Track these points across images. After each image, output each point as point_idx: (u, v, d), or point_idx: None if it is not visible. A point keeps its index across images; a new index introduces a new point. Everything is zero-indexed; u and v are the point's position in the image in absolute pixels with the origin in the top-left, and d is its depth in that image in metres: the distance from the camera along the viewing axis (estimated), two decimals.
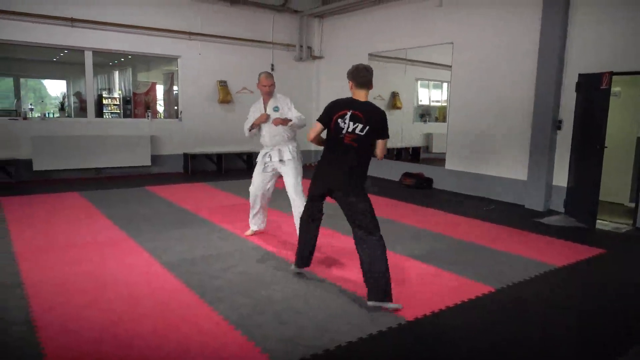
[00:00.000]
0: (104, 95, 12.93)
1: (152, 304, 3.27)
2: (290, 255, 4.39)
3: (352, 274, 3.96)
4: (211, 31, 9.73)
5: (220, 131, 10.15)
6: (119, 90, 13.71)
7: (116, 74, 14.19)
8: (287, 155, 4.67)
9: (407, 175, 8.84)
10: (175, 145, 9.73)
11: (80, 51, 8.68)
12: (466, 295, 3.59)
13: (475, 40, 7.84)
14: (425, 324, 3.11)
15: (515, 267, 4.32)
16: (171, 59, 10.00)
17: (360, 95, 3.42)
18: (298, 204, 4.63)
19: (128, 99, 12.79)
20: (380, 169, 9.70)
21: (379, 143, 3.42)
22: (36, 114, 10.69)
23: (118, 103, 13.04)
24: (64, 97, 14.02)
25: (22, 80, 14.54)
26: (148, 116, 9.97)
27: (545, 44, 6.68)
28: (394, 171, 9.40)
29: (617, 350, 2.88)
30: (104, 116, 12.24)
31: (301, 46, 10.96)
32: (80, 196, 6.92)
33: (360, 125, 3.31)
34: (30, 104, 12.14)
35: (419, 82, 11.34)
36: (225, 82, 10.07)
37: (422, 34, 8.78)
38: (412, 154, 10.68)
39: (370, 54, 9.96)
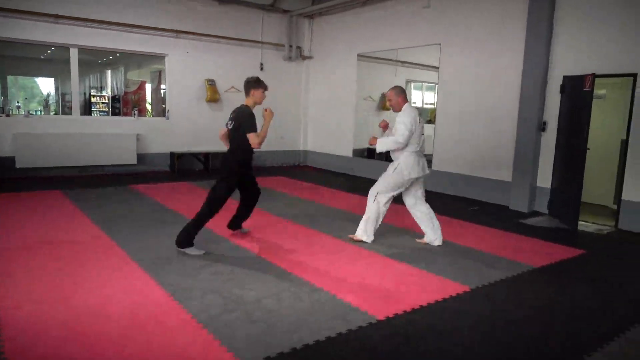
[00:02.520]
0: (92, 94, 12.86)
1: (122, 303, 3.22)
2: (270, 255, 4.36)
3: (326, 273, 3.93)
4: (199, 30, 9.68)
5: (207, 130, 10.08)
6: (111, 88, 13.65)
7: (108, 72, 14.13)
8: (390, 165, 5.15)
9: None
10: (162, 144, 9.66)
11: (66, 48, 8.62)
12: (440, 294, 3.57)
13: (462, 42, 7.84)
14: (396, 324, 3.08)
15: (493, 267, 4.30)
16: (159, 57, 9.94)
17: (245, 101, 4.60)
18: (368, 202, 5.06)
19: (119, 97, 12.72)
20: (365, 168, 9.67)
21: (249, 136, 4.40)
22: (22, 112, 10.59)
23: (107, 102, 12.99)
24: (48, 95, 13.92)
25: (11, 78, 14.46)
26: (134, 114, 9.91)
27: (531, 46, 6.68)
28: (378, 172, 9.34)
29: (587, 350, 2.86)
30: (93, 114, 12.17)
31: (290, 46, 10.93)
32: (62, 194, 6.84)
33: (231, 122, 4.55)
34: (18, 102, 12.04)
35: (413, 84, 11.31)
36: (213, 81, 10.01)
37: (410, 35, 8.77)
38: None
39: (359, 55, 9.96)
